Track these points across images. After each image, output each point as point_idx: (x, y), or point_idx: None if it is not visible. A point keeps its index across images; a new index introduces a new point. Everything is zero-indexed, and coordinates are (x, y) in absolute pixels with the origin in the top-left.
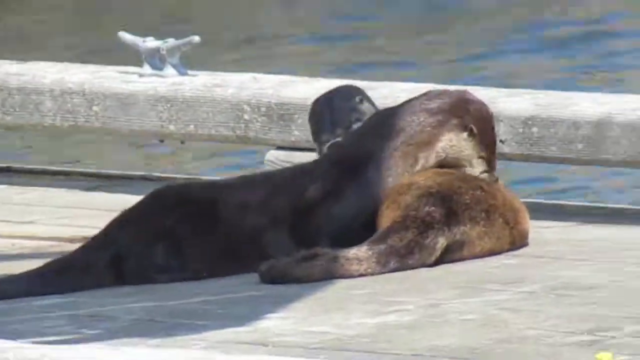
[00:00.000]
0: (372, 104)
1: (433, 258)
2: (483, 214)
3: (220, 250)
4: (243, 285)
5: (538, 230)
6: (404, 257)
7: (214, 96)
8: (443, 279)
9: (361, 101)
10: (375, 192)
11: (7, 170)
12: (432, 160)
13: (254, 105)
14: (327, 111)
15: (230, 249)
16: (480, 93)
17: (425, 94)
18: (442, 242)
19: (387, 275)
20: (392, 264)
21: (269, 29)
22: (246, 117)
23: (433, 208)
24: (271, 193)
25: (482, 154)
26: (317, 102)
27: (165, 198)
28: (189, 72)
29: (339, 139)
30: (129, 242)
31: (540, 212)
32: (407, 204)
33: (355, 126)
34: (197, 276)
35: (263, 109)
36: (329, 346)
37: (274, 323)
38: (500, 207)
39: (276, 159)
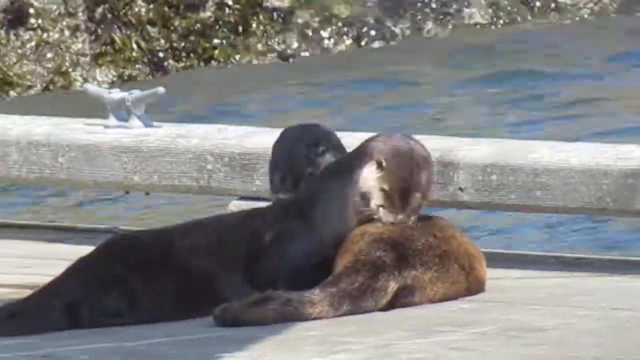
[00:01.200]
0: (339, 152)
1: (384, 301)
2: (436, 259)
3: (173, 296)
4: (198, 328)
5: (495, 277)
6: (356, 299)
7: (178, 147)
8: (396, 321)
9: (323, 153)
10: (323, 234)
11: None
12: (358, 196)
13: (217, 155)
14: (284, 152)
15: (182, 294)
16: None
17: (367, 139)
18: (393, 285)
19: (340, 318)
20: (345, 307)
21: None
22: (209, 167)
23: (384, 253)
24: (222, 235)
25: (385, 187)
26: (279, 145)
27: (117, 246)
28: (154, 123)
29: (282, 197)
30: (83, 289)
31: (498, 260)
32: (360, 249)
33: (305, 181)
34: (149, 321)
35: (226, 159)
36: None
37: None
38: (455, 253)
39: (239, 209)
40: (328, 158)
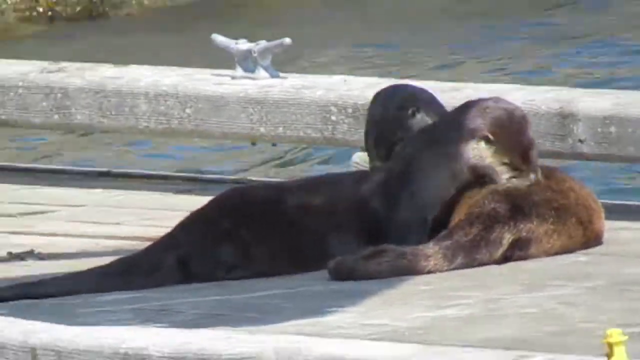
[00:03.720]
0: (432, 110)
1: (499, 253)
2: (553, 212)
3: (285, 251)
4: (310, 281)
5: (614, 230)
6: (470, 251)
7: (303, 98)
8: (509, 275)
9: (413, 114)
10: (424, 202)
11: (107, 174)
12: (465, 171)
13: (340, 107)
14: (377, 117)
15: (294, 250)
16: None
17: (459, 107)
18: (507, 236)
19: (453, 272)
20: (459, 260)
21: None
22: (333, 118)
23: (498, 204)
24: (334, 198)
25: (505, 160)
26: (370, 110)
27: (228, 200)
28: (280, 74)
29: (378, 164)
30: (195, 243)
31: (617, 212)
32: (474, 202)
33: (398, 146)
34: (262, 275)
35: (350, 110)
36: (381, 337)
37: (335, 317)
38: (572, 206)
39: (362, 160)
40: (419, 119)
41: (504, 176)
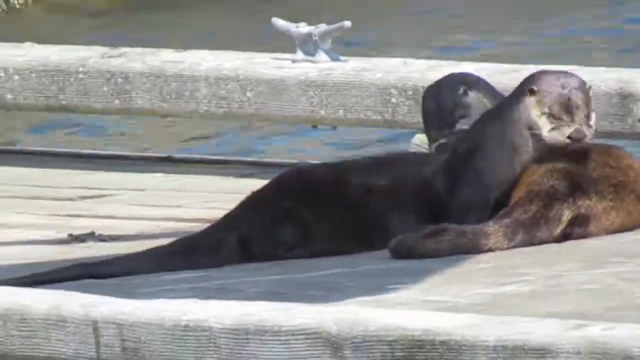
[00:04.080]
0: (485, 90)
1: (559, 230)
2: (611, 189)
3: (345, 230)
4: (371, 260)
5: None
6: (530, 229)
7: (363, 80)
8: (569, 252)
9: (465, 92)
10: (488, 181)
11: (168, 159)
12: (523, 132)
13: (401, 89)
14: (432, 107)
15: (355, 229)
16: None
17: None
18: (567, 213)
19: (514, 250)
20: (519, 237)
21: None
22: (394, 100)
23: (557, 182)
24: (397, 179)
25: (546, 110)
26: (424, 96)
27: (289, 180)
28: (341, 57)
29: (443, 141)
30: (256, 223)
31: None
32: (533, 180)
33: (460, 123)
34: (323, 254)
35: (410, 93)
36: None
37: (396, 294)
38: (631, 183)
39: (422, 142)
40: (473, 96)
41: (546, 129)
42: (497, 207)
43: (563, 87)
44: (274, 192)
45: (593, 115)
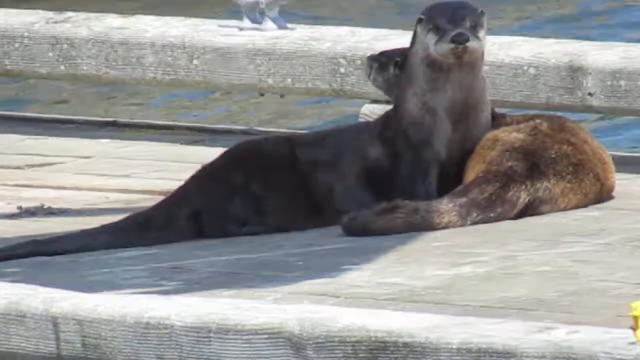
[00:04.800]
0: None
1: (514, 212)
2: (570, 168)
3: (296, 205)
4: (324, 238)
5: (624, 183)
6: (485, 210)
7: (311, 49)
8: (522, 231)
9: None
10: (415, 142)
11: (113, 124)
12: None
13: (349, 59)
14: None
15: (307, 203)
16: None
17: None
18: (524, 197)
19: (467, 228)
20: (473, 217)
21: None
22: (342, 70)
23: (516, 162)
24: (339, 150)
25: (430, 26)
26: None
27: (238, 153)
28: (288, 25)
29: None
30: (207, 197)
31: (627, 164)
32: (491, 159)
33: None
34: (275, 229)
35: (358, 62)
36: (399, 297)
37: (350, 275)
38: (589, 162)
39: (371, 112)
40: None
41: (431, 43)
42: (451, 181)
43: (448, 5)
44: (225, 167)
45: (482, 31)
